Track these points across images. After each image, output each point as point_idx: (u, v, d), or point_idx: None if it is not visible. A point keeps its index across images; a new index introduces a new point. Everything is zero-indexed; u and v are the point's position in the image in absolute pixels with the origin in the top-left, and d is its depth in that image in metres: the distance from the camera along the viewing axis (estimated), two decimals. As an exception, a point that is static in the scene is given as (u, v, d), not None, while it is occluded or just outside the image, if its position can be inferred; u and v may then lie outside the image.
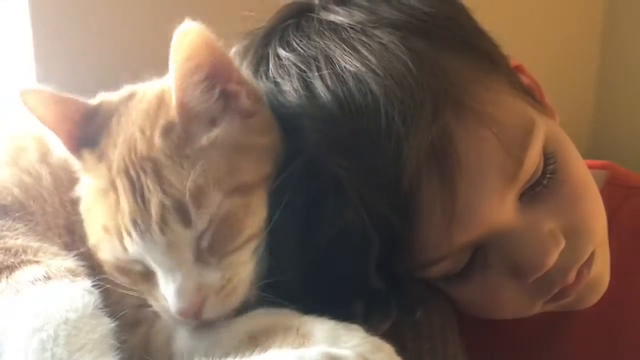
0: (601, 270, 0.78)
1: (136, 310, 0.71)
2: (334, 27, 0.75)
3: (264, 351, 0.60)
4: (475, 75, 0.73)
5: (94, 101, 0.73)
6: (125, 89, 0.75)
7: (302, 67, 0.73)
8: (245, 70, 0.80)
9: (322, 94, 0.70)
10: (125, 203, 0.65)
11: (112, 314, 0.63)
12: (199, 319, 0.65)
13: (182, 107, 0.66)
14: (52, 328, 0.57)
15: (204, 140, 0.66)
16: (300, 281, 0.66)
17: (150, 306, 0.69)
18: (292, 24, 0.79)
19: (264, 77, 0.77)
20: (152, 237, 0.64)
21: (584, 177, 0.77)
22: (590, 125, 1.64)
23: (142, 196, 0.64)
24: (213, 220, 0.64)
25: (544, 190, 0.73)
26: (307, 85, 0.72)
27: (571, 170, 0.75)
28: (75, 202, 0.73)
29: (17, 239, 0.66)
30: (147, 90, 0.72)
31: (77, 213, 0.73)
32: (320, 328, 0.61)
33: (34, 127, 0.78)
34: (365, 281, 0.69)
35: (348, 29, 0.74)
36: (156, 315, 0.70)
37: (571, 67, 1.57)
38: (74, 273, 0.65)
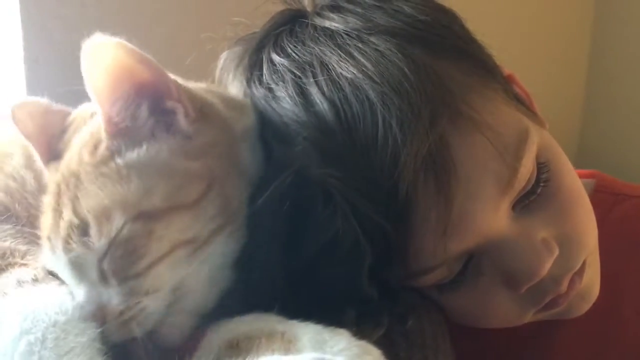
0: (592, 278, 0.78)
1: None
2: (329, 34, 0.74)
3: (250, 357, 0.59)
4: (472, 83, 0.73)
5: (74, 111, 0.73)
6: None
7: (297, 73, 0.73)
8: (241, 80, 0.80)
9: (318, 101, 0.70)
10: (47, 218, 0.66)
11: None
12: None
13: (108, 122, 0.64)
14: (40, 331, 0.56)
15: (120, 160, 0.64)
16: (284, 292, 0.65)
17: None
18: (286, 30, 0.78)
19: (257, 83, 0.76)
20: (57, 254, 0.64)
21: (576, 186, 0.77)
22: (577, 136, 1.65)
23: (60, 212, 0.64)
24: (112, 244, 0.62)
25: (537, 199, 0.73)
26: (302, 92, 0.71)
27: (564, 179, 0.75)
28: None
29: (5, 241, 0.66)
30: None
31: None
32: (306, 332, 0.60)
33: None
34: (357, 290, 0.68)
35: (343, 35, 0.73)
36: None
37: (559, 79, 1.58)
38: (57, 276, 0.65)
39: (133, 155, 0.65)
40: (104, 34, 0.94)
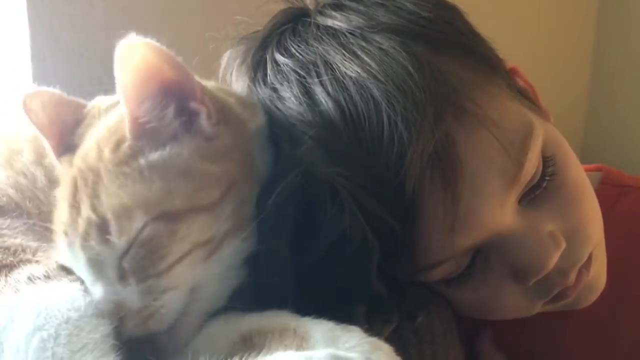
0: (599, 270, 0.78)
1: None
2: (332, 32, 0.74)
3: (260, 352, 0.60)
4: (475, 80, 0.73)
5: (90, 103, 0.73)
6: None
7: (302, 72, 0.73)
8: (244, 78, 0.80)
9: (323, 100, 0.70)
10: (63, 212, 0.66)
11: None
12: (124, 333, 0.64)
13: (134, 122, 0.65)
14: (53, 327, 0.57)
15: (142, 160, 0.64)
16: (298, 289, 0.66)
17: None
18: (289, 28, 0.78)
19: (261, 83, 0.76)
20: (75, 251, 0.64)
21: (581, 179, 0.77)
22: (581, 133, 1.66)
23: (77, 208, 0.65)
24: (133, 244, 0.63)
25: (543, 193, 0.74)
26: (307, 92, 0.71)
27: (569, 172, 0.75)
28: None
29: (16, 238, 0.66)
30: None
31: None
32: (318, 329, 0.61)
33: (29, 129, 0.78)
34: (366, 287, 0.69)
35: (347, 34, 0.73)
36: None
37: (563, 77, 1.59)
38: (71, 273, 0.65)
39: (155, 156, 0.65)
40: (111, 31, 0.94)
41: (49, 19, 0.99)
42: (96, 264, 0.64)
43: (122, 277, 0.63)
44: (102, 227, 0.63)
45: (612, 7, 1.59)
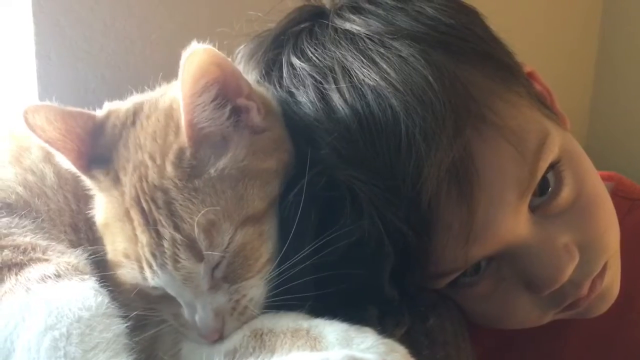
0: (612, 280, 0.78)
1: (145, 312, 0.69)
2: (351, 37, 0.73)
3: (271, 352, 0.60)
4: (495, 88, 0.72)
5: (101, 112, 0.71)
6: (133, 99, 0.73)
7: (318, 78, 0.71)
8: (252, 73, 0.79)
9: (340, 108, 0.69)
10: (142, 236, 0.65)
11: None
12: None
13: (192, 128, 0.64)
14: (65, 326, 0.56)
15: (212, 171, 0.64)
16: (314, 289, 0.65)
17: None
18: (305, 30, 0.77)
19: (277, 85, 0.75)
20: (168, 271, 0.64)
21: (598, 189, 0.76)
22: (585, 130, 1.65)
23: (156, 230, 0.64)
24: (227, 253, 0.64)
25: (559, 204, 0.73)
26: (323, 97, 0.70)
27: (585, 182, 0.74)
28: (80, 200, 0.73)
29: (26, 236, 0.66)
30: (154, 105, 0.70)
31: (81, 212, 0.73)
32: (332, 330, 0.60)
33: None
34: (379, 289, 0.68)
35: (365, 39, 0.72)
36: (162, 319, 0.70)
37: (566, 79, 1.58)
38: (82, 272, 0.64)
39: (221, 164, 0.65)
40: (115, 29, 0.93)
41: (54, 16, 0.98)
42: (190, 281, 0.64)
43: (215, 286, 0.65)
44: (191, 246, 0.63)
45: (616, 5, 1.58)
